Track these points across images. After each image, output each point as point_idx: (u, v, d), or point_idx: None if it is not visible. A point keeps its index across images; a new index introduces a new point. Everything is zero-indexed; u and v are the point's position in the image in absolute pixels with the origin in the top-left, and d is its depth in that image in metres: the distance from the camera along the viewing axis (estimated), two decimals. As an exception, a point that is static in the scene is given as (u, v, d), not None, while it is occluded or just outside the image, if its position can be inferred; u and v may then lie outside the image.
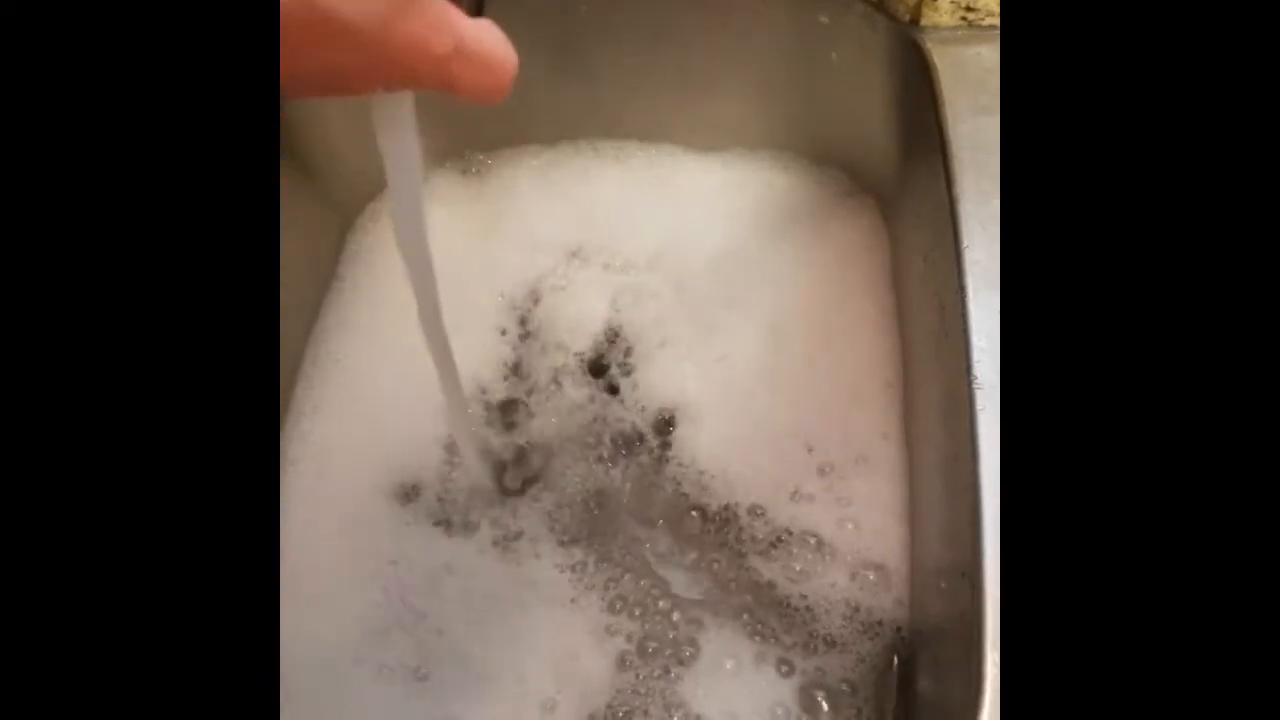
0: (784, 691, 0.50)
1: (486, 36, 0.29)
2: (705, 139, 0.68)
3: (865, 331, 0.61)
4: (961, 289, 0.44)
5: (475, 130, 0.67)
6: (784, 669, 0.51)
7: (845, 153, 0.65)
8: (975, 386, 0.42)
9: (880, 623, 0.52)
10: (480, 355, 0.62)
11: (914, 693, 0.48)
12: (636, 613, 0.53)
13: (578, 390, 0.61)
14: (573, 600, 0.54)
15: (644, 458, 0.58)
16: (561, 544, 0.56)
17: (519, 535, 0.56)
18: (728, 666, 0.51)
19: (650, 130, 0.68)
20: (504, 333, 0.63)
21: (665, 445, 0.58)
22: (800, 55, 0.59)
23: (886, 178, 0.62)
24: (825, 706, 0.50)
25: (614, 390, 0.61)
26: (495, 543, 0.56)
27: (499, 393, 0.61)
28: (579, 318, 0.63)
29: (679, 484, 0.57)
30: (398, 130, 0.34)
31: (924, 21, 0.52)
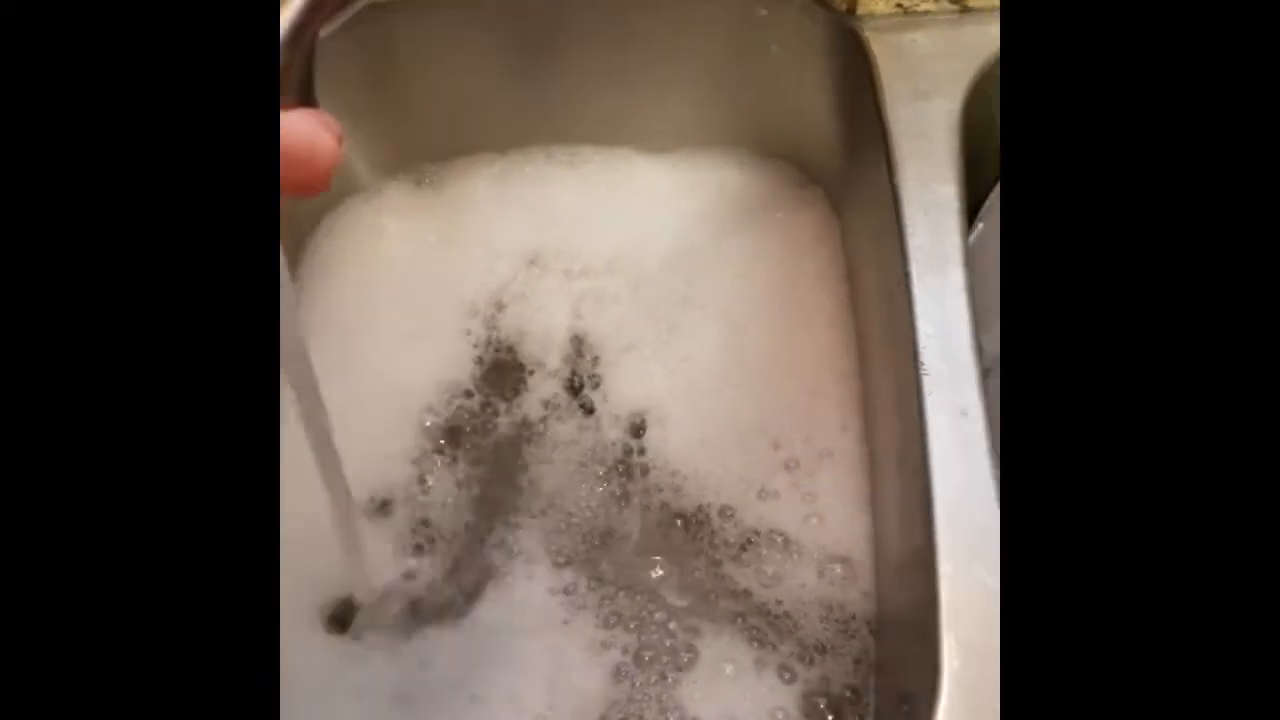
0: (785, 698, 0.50)
1: (286, 126, 0.26)
2: (657, 140, 0.67)
3: (821, 323, 0.60)
4: (906, 275, 0.44)
5: (427, 140, 0.67)
6: (786, 675, 0.50)
7: (793, 146, 0.65)
8: (922, 373, 0.41)
9: (854, 617, 0.51)
10: (445, 368, 0.62)
11: (883, 684, 0.48)
12: (632, 625, 0.53)
13: (559, 419, 0.60)
14: (565, 622, 0.53)
15: (623, 470, 0.58)
16: (556, 565, 0.55)
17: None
18: (728, 672, 0.51)
19: (603, 133, 0.68)
20: (471, 343, 0.63)
21: (641, 451, 0.58)
22: (742, 49, 0.59)
23: (834, 169, 0.62)
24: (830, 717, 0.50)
25: (589, 411, 0.60)
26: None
27: (462, 408, 0.61)
28: (545, 329, 0.63)
29: (659, 490, 0.57)
30: None
31: (860, 10, 0.52)
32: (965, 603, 0.37)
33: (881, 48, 0.50)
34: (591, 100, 0.65)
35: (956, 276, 0.43)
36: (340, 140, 0.27)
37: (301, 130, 0.26)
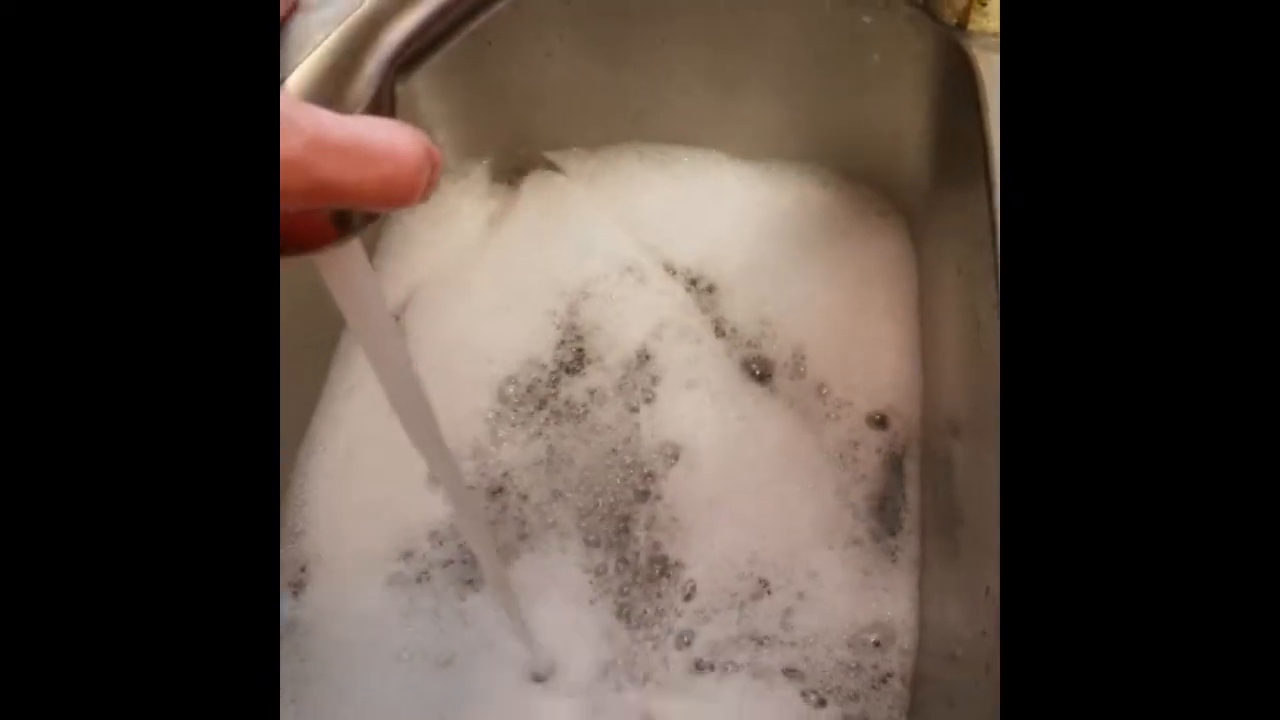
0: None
1: (361, 126, 0.23)
2: (748, 147, 0.65)
3: (888, 356, 0.57)
4: (999, 303, 0.40)
5: (516, 128, 0.65)
6: (812, 698, 0.47)
7: (881, 169, 0.61)
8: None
9: (890, 675, 0.48)
10: (525, 348, 0.60)
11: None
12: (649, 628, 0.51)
13: (602, 408, 0.58)
14: (591, 601, 0.51)
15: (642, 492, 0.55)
16: (587, 543, 0.53)
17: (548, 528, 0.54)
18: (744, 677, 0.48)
19: (695, 135, 0.65)
20: (554, 323, 0.61)
21: (662, 478, 0.55)
22: (844, 58, 0.55)
23: (919, 198, 0.58)
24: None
25: (633, 409, 0.58)
26: (522, 537, 0.54)
27: (531, 389, 0.59)
28: (617, 334, 0.60)
29: (658, 531, 0.53)
30: (350, 279, 0.29)
31: (971, 26, 0.48)
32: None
33: (989, 67, 0.46)
34: (686, 101, 0.62)
35: (1051, 306, 0.39)
36: (430, 150, 0.25)
37: (373, 125, 0.24)
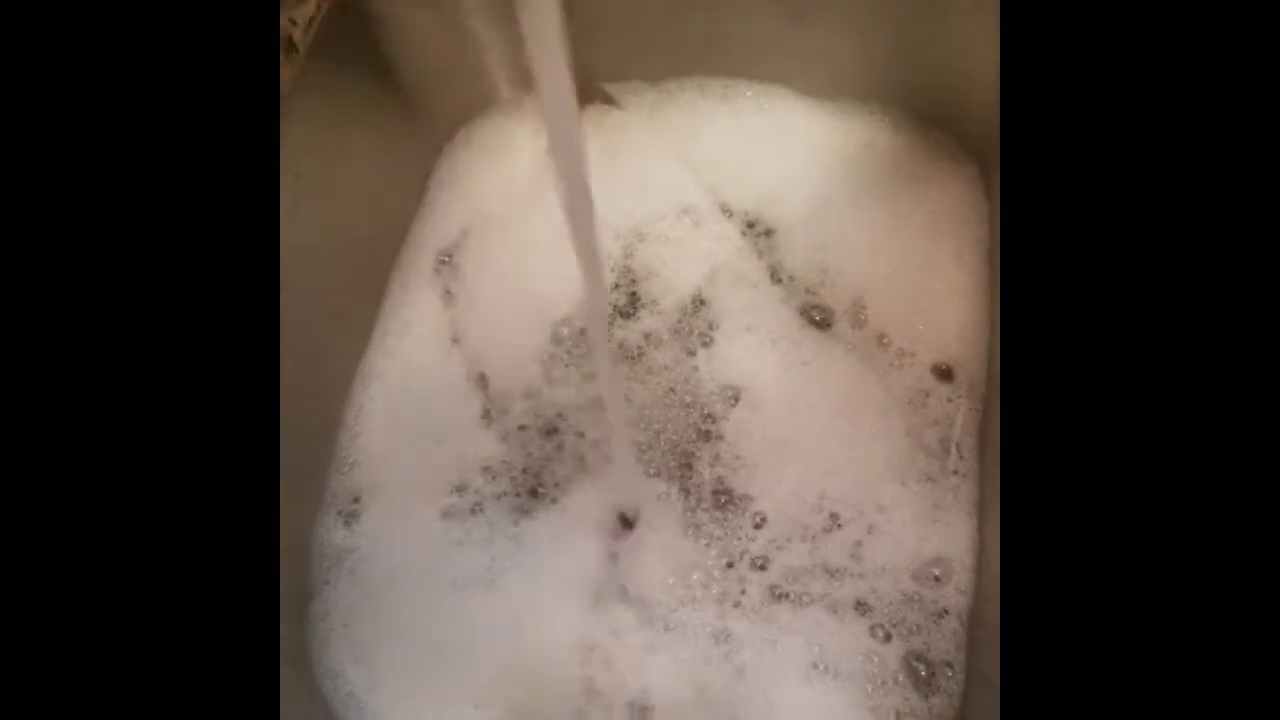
0: (878, 647, 0.46)
1: None
2: (816, 84, 0.62)
3: (954, 305, 0.55)
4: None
5: (579, 61, 0.63)
6: (879, 633, 0.47)
7: (954, 114, 0.58)
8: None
9: (946, 611, 0.47)
10: (579, 289, 0.58)
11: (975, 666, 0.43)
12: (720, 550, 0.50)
13: (659, 350, 0.57)
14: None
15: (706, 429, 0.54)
16: (648, 475, 0.52)
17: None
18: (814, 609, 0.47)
19: (760, 70, 0.62)
20: (608, 268, 0.59)
21: (723, 418, 0.54)
22: None
23: (994, 141, 0.55)
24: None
25: (690, 353, 0.56)
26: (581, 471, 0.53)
27: (585, 331, 0.57)
28: (671, 279, 0.58)
29: (723, 468, 0.52)
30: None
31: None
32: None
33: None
34: (751, 31, 0.59)
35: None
36: None
37: None
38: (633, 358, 0.56)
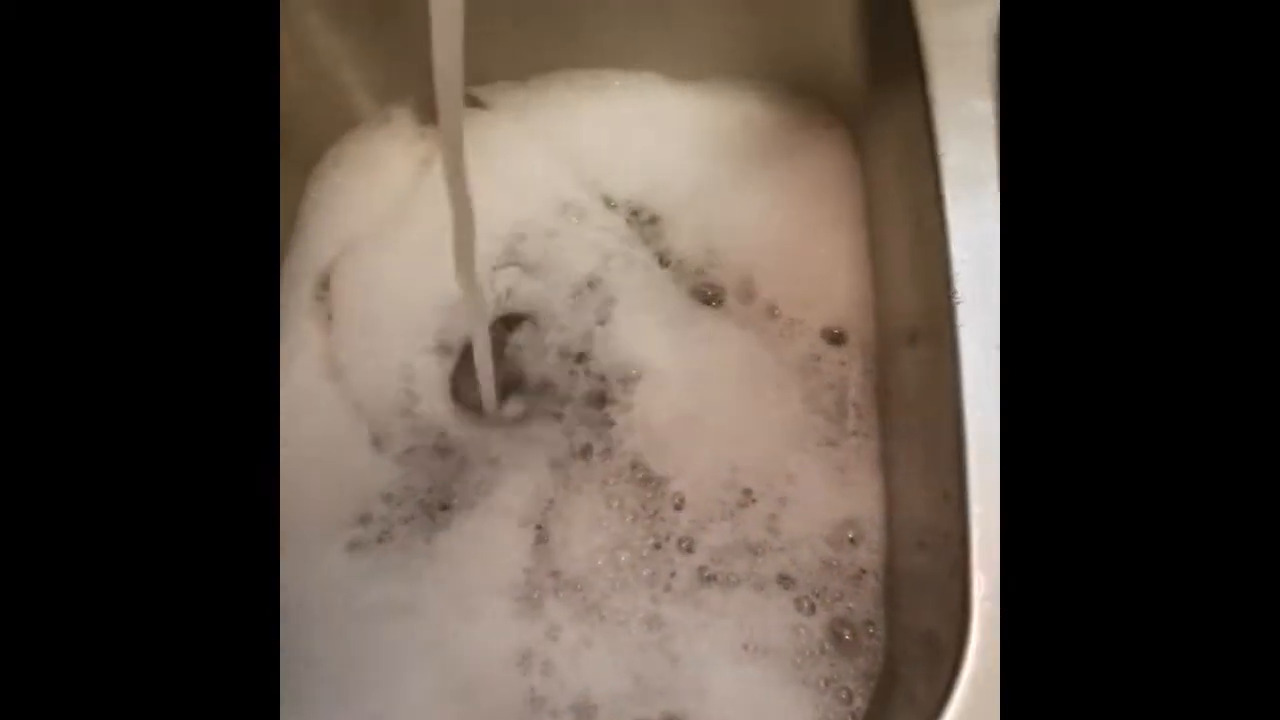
0: (806, 620, 0.47)
1: None
2: (684, 66, 0.62)
3: (842, 267, 0.55)
4: (939, 197, 0.38)
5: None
6: (805, 606, 0.47)
7: (820, 78, 0.59)
8: (955, 301, 0.36)
9: (863, 571, 0.48)
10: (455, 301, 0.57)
11: (898, 621, 0.44)
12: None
13: (558, 334, 0.56)
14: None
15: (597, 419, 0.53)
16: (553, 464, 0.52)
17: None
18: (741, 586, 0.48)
19: (627, 58, 0.62)
20: (490, 265, 0.58)
21: (628, 395, 0.53)
22: None
23: (858, 100, 0.56)
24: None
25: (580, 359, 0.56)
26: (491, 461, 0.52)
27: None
28: (560, 277, 0.58)
29: (631, 447, 0.52)
30: None
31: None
32: (995, 542, 0.32)
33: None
34: (613, 18, 0.59)
35: (993, 198, 0.37)
36: None
37: None
38: (526, 358, 0.55)
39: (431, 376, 0.55)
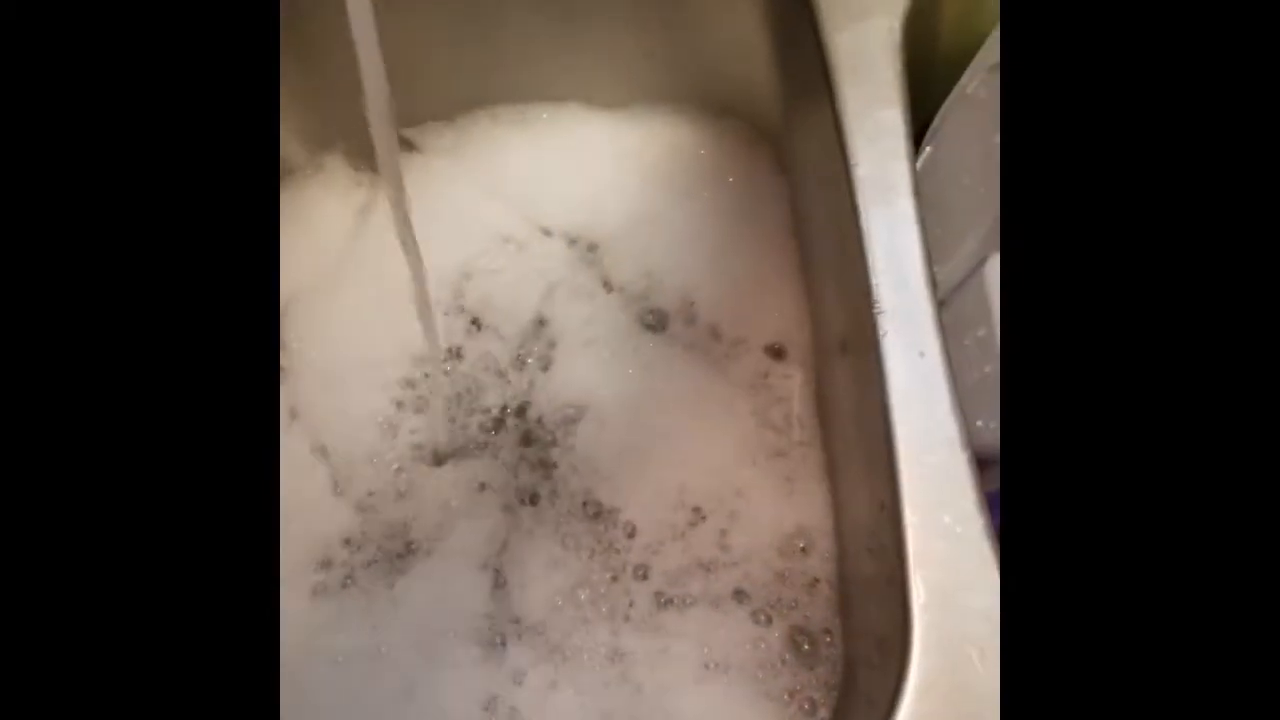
0: (764, 633, 0.47)
1: None
2: (607, 95, 0.62)
3: (774, 285, 0.56)
4: (854, 208, 0.38)
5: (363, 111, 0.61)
6: (761, 618, 0.47)
7: (741, 99, 0.59)
8: (876, 311, 0.36)
9: (816, 580, 0.48)
10: (414, 342, 0.56)
11: (852, 629, 0.44)
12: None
13: (502, 381, 0.56)
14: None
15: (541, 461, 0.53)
16: (505, 507, 0.52)
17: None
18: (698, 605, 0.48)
19: (550, 89, 0.62)
20: (441, 310, 0.58)
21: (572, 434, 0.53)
22: None
23: (779, 118, 0.57)
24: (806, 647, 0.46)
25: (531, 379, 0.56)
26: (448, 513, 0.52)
27: (423, 384, 0.56)
28: (508, 309, 0.58)
29: (574, 472, 0.52)
30: None
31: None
32: (931, 549, 0.33)
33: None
34: (536, 55, 0.59)
35: (906, 206, 0.38)
36: None
37: None
38: (477, 398, 0.55)
39: (386, 422, 0.55)
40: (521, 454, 0.53)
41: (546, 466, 0.53)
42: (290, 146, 0.62)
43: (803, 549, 0.49)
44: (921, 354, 0.35)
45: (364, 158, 0.63)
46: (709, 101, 0.61)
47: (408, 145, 0.63)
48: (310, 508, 0.52)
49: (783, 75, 0.53)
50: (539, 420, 0.54)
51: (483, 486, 0.52)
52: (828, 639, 0.46)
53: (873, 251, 0.37)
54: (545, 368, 0.56)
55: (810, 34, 0.42)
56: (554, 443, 0.53)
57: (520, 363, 0.56)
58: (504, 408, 0.55)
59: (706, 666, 0.46)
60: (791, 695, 0.45)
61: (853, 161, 0.39)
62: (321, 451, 0.54)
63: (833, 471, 0.49)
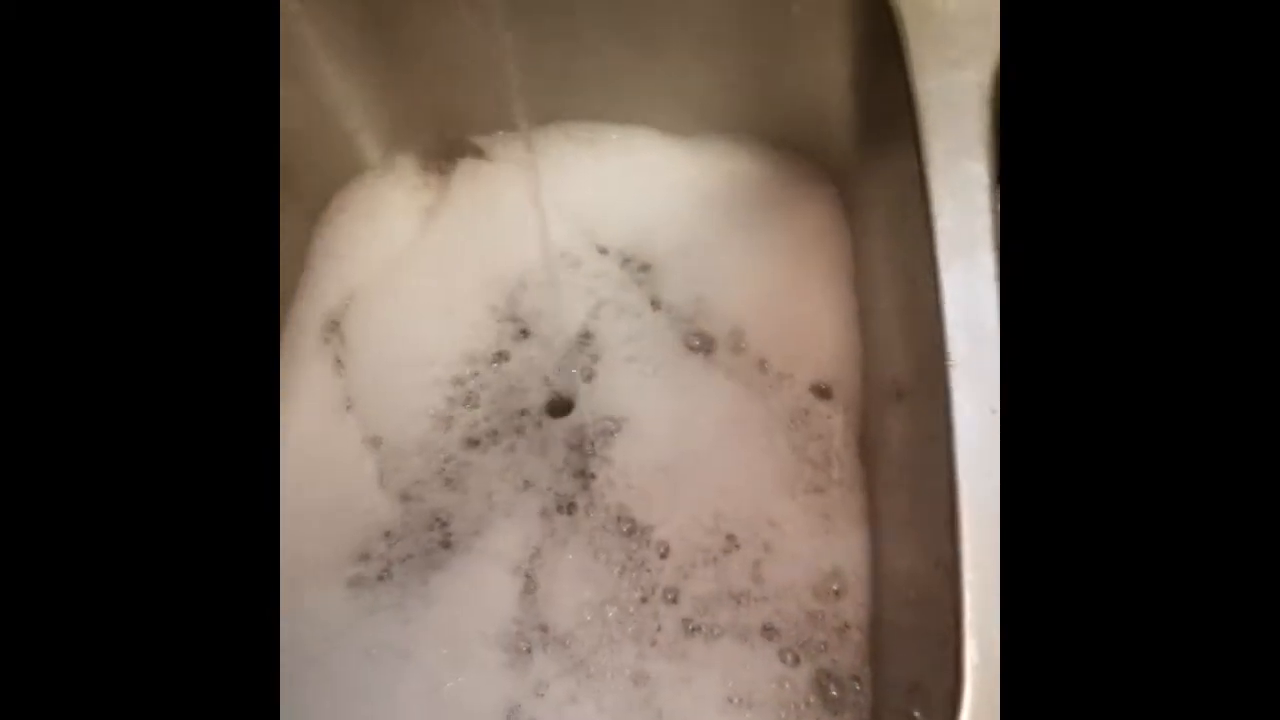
0: (789, 672, 0.46)
1: None
2: (676, 122, 0.62)
3: (826, 324, 0.55)
4: (932, 260, 0.38)
5: (439, 117, 0.62)
6: (788, 658, 0.47)
7: (809, 135, 0.59)
8: (949, 365, 0.36)
9: (847, 625, 0.47)
10: (467, 345, 0.58)
11: (883, 675, 0.44)
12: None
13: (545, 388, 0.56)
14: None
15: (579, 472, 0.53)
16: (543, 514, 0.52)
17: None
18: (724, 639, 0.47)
19: (622, 112, 0.62)
20: (495, 318, 0.58)
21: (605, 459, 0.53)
22: (763, 10, 0.53)
23: (848, 161, 0.57)
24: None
25: (564, 410, 0.56)
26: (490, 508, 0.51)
27: (474, 386, 0.56)
28: (557, 322, 0.58)
29: (612, 488, 0.52)
30: None
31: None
32: (989, 609, 0.32)
33: (910, 10, 0.44)
34: (612, 77, 0.60)
35: (987, 261, 0.37)
36: None
37: None
38: (523, 404, 0.55)
39: (438, 415, 0.55)
40: (565, 457, 0.53)
41: (585, 476, 0.53)
42: (366, 144, 0.62)
43: (836, 591, 0.48)
44: (993, 411, 0.34)
45: (433, 159, 0.64)
46: (775, 136, 0.61)
47: (477, 153, 0.64)
48: (355, 500, 0.53)
49: (861, 118, 0.53)
50: (580, 428, 0.54)
51: (526, 484, 0.52)
52: (856, 686, 0.45)
53: (949, 304, 0.37)
54: (588, 379, 0.56)
55: (899, 79, 0.42)
56: (593, 453, 0.53)
57: (564, 373, 0.56)
58: (546, 411, 0.55)
59: (730, 700, 0.46)
60: (814, 738, 0.45)
61: (935, 212, 0.39)
62: (372, 442, 0.54)
63: (873, 516, 0.49)
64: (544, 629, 0.48)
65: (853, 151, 0.56)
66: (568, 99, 0.62)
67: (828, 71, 0.54)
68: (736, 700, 0.46)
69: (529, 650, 0.48)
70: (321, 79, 0.58)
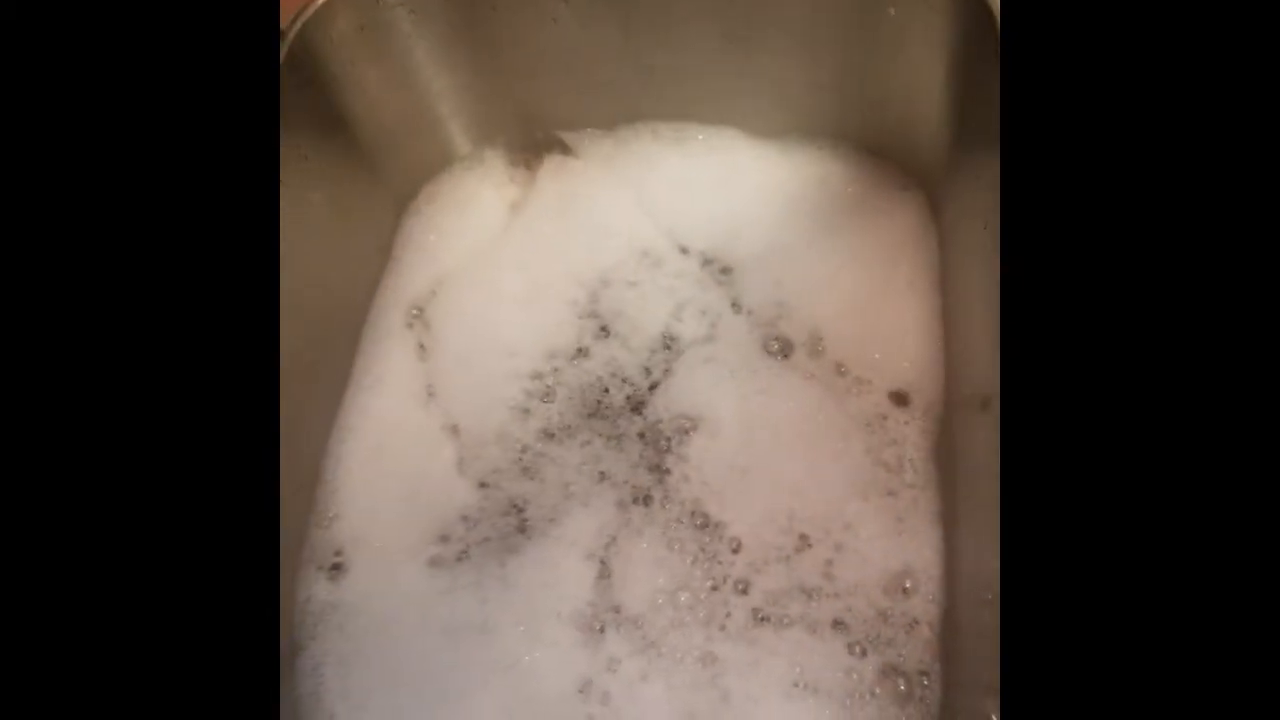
0: (857, 663, 0.47)
1: None
2: (764, 123, 0.64)
3: (910, 332, 0.56)
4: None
5: (532, 111, 0.63)
6: (857, 650, 0.48)
7: (900, 141, 0.60)
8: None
9: (916, 621, 0.48)
10: (549, 339, 0.59)
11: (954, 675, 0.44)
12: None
13: (625, 387, 0.57)
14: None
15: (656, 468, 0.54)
16: (621, 504, 0.53)
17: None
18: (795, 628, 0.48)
19: (709, 111, 0.64)
20: (576, 314, 0.60)
21: (682, 450, 0.54)
22: (858, 12, 0.53)
23: (938, 164, 0.57)
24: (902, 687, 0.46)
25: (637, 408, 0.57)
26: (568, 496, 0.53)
27: (554, 380, 0.58)
28: (637, 321, 0.60)
29: (693, 491, 0.53)
30: None
31: (993, -30, 0.46)
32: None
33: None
34: (700, 77, 0.61)
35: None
36: None
37: None
38: (602, 400, 0.57)
39: (517, 406, 0.57)
40: (641, 453, 0.54)
41: (660, 471, 0.54)
42: (455, 137, 0.65)
43: (906, 589, 0.49)
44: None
45: (521, 154, 0.65)
46: (863, 140, 0.62)
47: (564, 148, 0.65)
48: (435, 484, 0.55)
49: (954, 125, 0.54)
50: (656, 424, 0.55)
51: (602, 476, 0.54)
52: (924, 680, 0.46)
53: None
54: (666, 378, 0.57)
55: (995, 82, 0.42)
56: (668, 449, 0.55)
57: (644, 371, 0.57)
58: (625, 407, 0.56)
59: (796, 685, 0.47)
60: (877, 727, 0.45)
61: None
62: (452, 430, 0.56)
63: (949, 520, 0.49)
64: (617, 610, 0.50)
65: (943, 156, 0.57)
66: (656, 97, 0.63)
67: (922, 74, 0.55)
68: (802, 685, 0.47)
69: (602, 630, 0.49)
70: (414, 68, 0.60)
